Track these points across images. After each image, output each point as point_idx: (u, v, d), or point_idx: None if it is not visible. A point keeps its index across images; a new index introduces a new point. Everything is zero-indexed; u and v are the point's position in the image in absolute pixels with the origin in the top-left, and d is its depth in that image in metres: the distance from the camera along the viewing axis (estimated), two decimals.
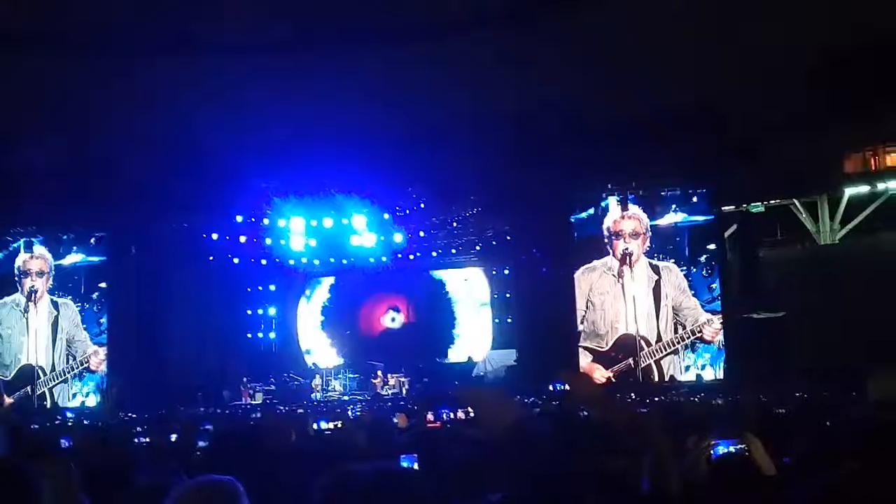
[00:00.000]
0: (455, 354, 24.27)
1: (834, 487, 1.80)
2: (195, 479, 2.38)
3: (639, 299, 18.92)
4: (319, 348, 25.05)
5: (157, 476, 3.09)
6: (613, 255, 19.20)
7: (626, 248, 19.08)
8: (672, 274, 19.00)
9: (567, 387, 3.05)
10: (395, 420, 9.74)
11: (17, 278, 20.95)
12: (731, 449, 3.43)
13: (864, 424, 3.58)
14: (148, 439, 6.76)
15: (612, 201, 19.46)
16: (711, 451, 3.49)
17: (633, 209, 19.32)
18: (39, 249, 20.98)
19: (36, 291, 20.78)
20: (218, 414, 16.90)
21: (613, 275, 19.14)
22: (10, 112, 16.84)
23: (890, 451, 3.16)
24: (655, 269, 19.04)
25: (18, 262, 20.99)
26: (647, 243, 19.18)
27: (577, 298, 19.32)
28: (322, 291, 25.61)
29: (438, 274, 24.66)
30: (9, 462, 2.49)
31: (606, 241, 19.29)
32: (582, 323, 19.27)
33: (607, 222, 19.38)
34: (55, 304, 20.85)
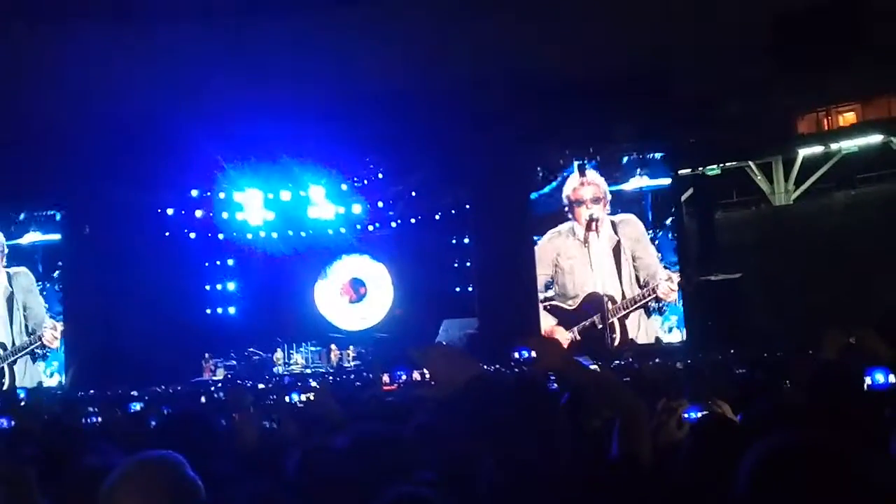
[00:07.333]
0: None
1: (786, 446, 1.77)
2: (135, 455, 2.35)
3: (603, 261, 19.25)
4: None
5: (105, 457, 2.96)
6: (577, 222, 19.33)
7: (591, 214, 19.28)
8: (629, 226, 19.30)
9: (533, 353, 2.97)
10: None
11: None
12: (704, 412, 3.39)
13: (818, 385, 3.59)
14: (100, 419, 6.59)
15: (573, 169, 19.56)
16: (682, 413, 3.45)
17: (591, 175, 19.47)
18: None
19: None
20: (178, 391, 16.69)
21: (579, 240, 19.33)
22: None
23: (840, 410, 3.18)
24: (615, 228, 19.25)
25: None
26: (608, 207, 19.35)
27: (545, 263, 19.61)
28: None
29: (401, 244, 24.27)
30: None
31: (567, 208, 19.44)
32: (550, 287, 19.57)
33: (566, 190, 19.57)
34: (8, 277, 20.58)
